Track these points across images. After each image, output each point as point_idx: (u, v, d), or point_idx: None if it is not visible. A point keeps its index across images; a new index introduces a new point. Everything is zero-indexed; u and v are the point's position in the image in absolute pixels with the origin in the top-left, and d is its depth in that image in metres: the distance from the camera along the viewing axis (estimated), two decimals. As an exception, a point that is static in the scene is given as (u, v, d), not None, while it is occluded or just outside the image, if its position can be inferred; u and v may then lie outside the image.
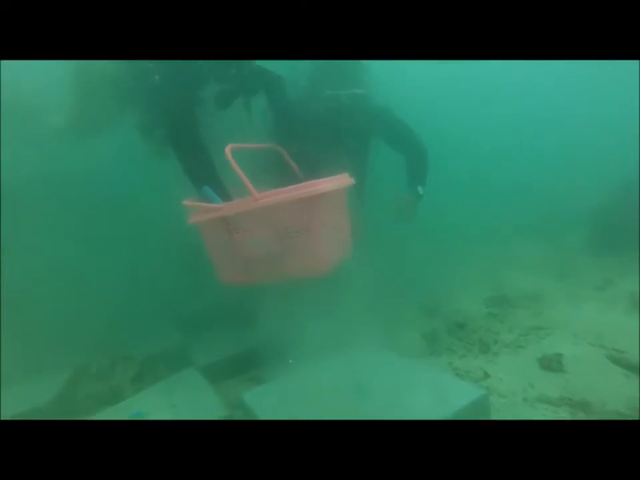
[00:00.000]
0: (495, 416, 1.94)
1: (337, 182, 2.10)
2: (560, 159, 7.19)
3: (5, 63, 2.48)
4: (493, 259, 4.69)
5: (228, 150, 1.87)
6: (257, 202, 1.88)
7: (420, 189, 3.01)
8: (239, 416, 2.11)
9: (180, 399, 2.21)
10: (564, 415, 1.91)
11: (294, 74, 3.00)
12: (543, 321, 2.95)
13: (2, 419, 2.17)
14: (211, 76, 2.46)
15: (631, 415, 1.83)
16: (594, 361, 2.33)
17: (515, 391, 2.14)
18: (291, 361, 2.50)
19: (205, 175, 2.18)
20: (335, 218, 2.18)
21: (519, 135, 7.80)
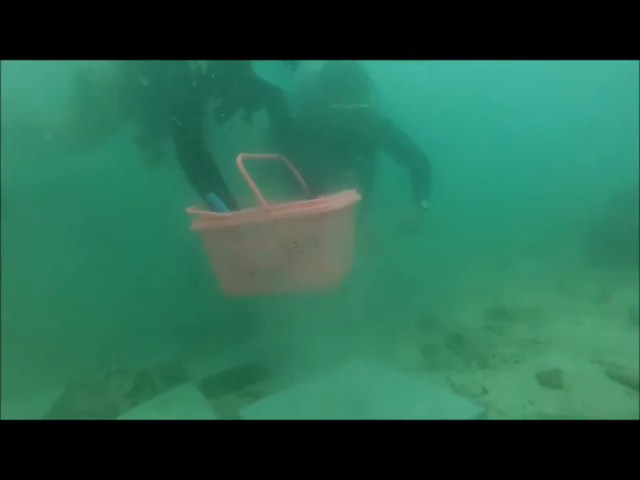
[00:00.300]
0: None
1: (347, 198, 2.11)
2: (558, 170, 7.22)
3: (4, 63, 2.49)
4: (491, 272, 4.70)
5: (239, 159, 1.86)
6: (268, 213, 1.87)
7: (424, 202, 3.01)
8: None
9: (176, 414, 2.18)
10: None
11: (298, 88, 3.00)
12: (542, 335, 2.94)
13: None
14: (212, 88, 2.46)
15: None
16: (593, 376, 2.30)
17: (514, 407, 2.10)
18: None
19: (210, 183, 2.15)
20: (343, 233, 2.19)
21: (518, 147, 7.84)
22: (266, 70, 2.52)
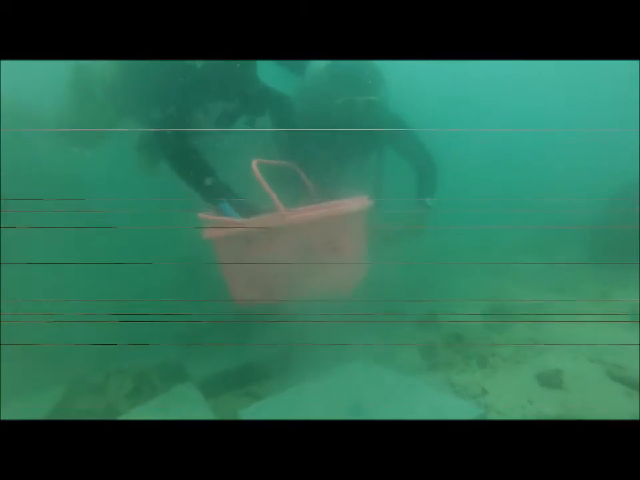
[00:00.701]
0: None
1: (362, 202, 2.10)
2: (559, 170, 7.22)
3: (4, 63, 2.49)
4: (492, 270, 4.69)
5: (255, 165, 1.86)
6: (285, 218, 1.84)
7: (429, 201, 3.01)
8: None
9: (175, 414, 2.17)
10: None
11: (307, 81, 2.99)
12: (542, 335, 2.93)
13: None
14: (215, 95, 2.44)
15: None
16: (593, 377, 2.29)
17: (514, 408, 2.10)
18: None
19: (216, 191, 2.14)
20: (359, 237, 2.17)
21: (519, 147, 7.82)
22: (270, 75, 2.50)
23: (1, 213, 2.80)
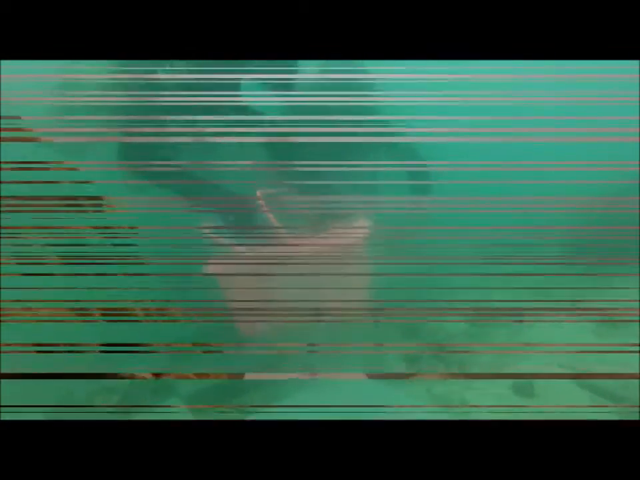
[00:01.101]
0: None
1: (365, 225, 2.12)
2: (557, 169, 7.19)
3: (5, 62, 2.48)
4: (471, 274, 4.65)
5: (259, 195, 1.88)
6: (295, 247, 1.89)
7: (423, 202, 3.01)
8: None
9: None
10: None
11: (297, 86, 2.98)
12: (520, 341, 2.94)
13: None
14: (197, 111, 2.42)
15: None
16: (571, 385, 2.32)
17: (493, 418, 2.09)
18: None
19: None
20: (365, 261, 2.18)
21: (516, 144, 7.79)
22: (255, 96, 2.49)
23: (1, 213, 2.79)
